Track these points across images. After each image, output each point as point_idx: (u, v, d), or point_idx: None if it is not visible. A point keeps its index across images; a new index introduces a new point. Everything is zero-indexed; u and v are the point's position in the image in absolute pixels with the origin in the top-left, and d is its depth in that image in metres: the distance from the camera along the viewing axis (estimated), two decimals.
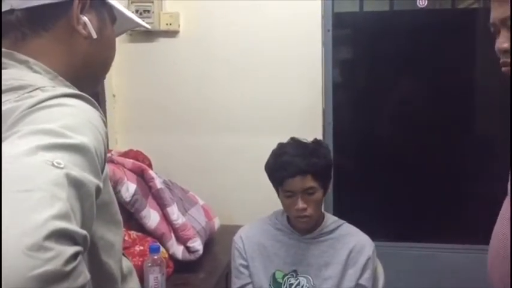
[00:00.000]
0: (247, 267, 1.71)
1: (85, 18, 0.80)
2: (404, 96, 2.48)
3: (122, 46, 2.36)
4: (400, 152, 2.49)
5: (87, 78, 0.86)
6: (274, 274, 1.69)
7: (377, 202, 2.45)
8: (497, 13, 1.13)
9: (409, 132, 2.48)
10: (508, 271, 1.12)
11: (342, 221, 1.75)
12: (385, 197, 2.47)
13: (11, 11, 0.76)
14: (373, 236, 1.74)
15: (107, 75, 2.42)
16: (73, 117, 0.64)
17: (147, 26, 1.00)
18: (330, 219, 1.74)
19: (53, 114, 0.63)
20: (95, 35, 0.81)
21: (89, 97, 0.71)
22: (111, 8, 0.88)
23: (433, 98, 2.41)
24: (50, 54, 0.78)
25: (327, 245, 1.69)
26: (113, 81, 2.44)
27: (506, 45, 1.09)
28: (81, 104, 0.68)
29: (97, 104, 0.72)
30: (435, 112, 2.40)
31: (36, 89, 0.67)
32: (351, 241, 1.68)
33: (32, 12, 0.76)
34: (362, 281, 1.66)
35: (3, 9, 0.76)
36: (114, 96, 2.47)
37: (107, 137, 0.71)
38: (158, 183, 1.95)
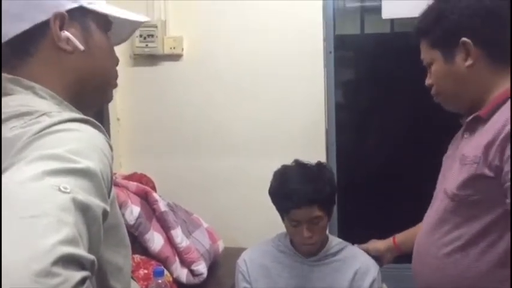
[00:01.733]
0: None
1: (66, 33, 0.78)
2: (407, 116, 2.49)
3: (126, 70, 2.39)
4: (405, 172, 2.48)
5: (91, 92, 0.85)
6: None
7: (382, 223, 2.43)
8: (422, 56, 1.35)
9: (414, 152, 2.47)
10: (434, 267, 1.28)
11: (346, 243, 1.74)
12: (390, 218, 2.45)
13: None
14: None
15: (112, 99, 2.43)
16: (79, 141, 0.65)
17: (147, 18, 0.97)
18: (334, 241, 1.73)
19: (59, 140, 0.63)
20: (81, 48, 0.80)
21: (95, 121, 0.72)
22: (99, 14, 0.85)
23: (437, 118, 2.41)
24: (44, 77, 0.78)
25: (331, 267, 1.67)
26: (118, 104, 2.46)
27: (427, 82, 1.38)
28: (87, 128, 0.69)
29: (103, 128, 0.73)
30: (439, 132, 2.40)
31: (43, 114, 0.68)
32: (356, 263, 1.66)
33: (13, 43, 0.77)
34: None
35: None
36: (118, 119, 2.49)
37: (113, 160, 0.71)
38: (162, 206, 1.95)
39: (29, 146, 0.62)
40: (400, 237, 1.72)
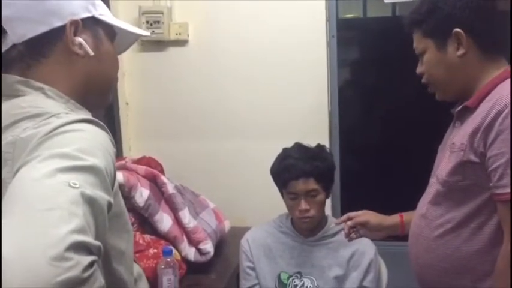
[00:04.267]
0: (253, 269, 1.79)
1: (79, 39, 0.86)
2: (410, 97, 2.52)
3: (134, 55, 2.46)
4: (408, 153, 2.52)
5: (94, 94, 0.92)
6: (279, 275, 1.76)
7: (384, 204, 2.48)
8: (415, 45, 1.38)
9: (416, 133, 2.51)
10: (427, 247, 1.35)
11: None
12: (392, 199, 2.50)
13: (13, 46, 0.84)
14: None
15: (121, 84, 2.50)
16: (85, 141, 0.72)
17: (147, 33, 1.07)
18: (333, 223, 1.80)
19: (67, 139, 0.71)
20: (91, 53, 0.88)
21: (99, 121, 0.79)
22: (107, 25, 0.93)
23: (440, 101, 2.44)
24: (54, 78, 0.85)
25: (329, 247, 1.75)
26: (126, 89, 2.53)
27: (418, 70, 1.41)
28: (92, 128, 0.76)
29: (106, 127, 0.80)
30: (441, 112, 2.43)
31: (52, 116, 0.76)
32: (353, 244, 1.73)
33: (30, 44, 0.84)
34: (366, 283, 1.72)
35: (5, 48, 0.84)
36: (127, 104, 2.55)
37: (116, 156, 0.79)
38: (170, 188, 2.02)
39: (40, 145, 0.70)
40: (407, 216, 1.64)
